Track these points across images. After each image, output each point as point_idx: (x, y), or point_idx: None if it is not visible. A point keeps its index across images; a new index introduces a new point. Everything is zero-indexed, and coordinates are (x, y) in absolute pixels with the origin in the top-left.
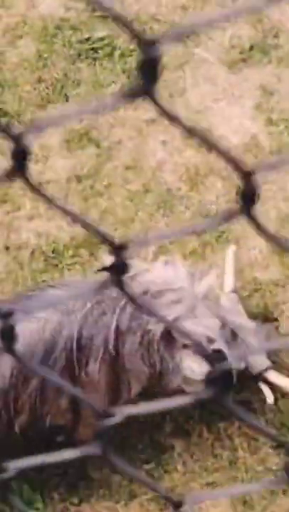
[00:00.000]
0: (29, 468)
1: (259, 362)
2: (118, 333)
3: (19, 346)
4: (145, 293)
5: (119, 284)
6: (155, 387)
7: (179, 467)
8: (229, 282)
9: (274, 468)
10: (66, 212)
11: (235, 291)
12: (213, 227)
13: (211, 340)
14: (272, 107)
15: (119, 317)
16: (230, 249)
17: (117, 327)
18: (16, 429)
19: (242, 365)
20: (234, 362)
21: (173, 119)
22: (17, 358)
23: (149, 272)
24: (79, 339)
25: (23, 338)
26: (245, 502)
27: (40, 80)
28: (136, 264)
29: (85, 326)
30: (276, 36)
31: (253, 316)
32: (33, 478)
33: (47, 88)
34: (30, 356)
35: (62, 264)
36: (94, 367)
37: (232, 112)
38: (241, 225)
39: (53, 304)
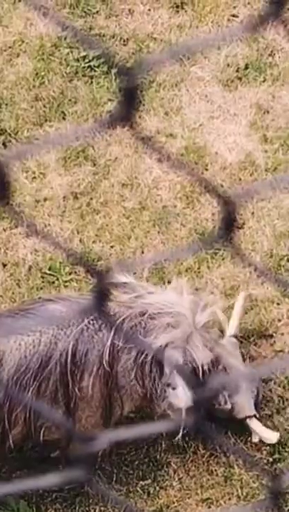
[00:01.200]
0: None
1: (247, 407)
2: (113, 350)
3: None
4: (143, 314)
5: (102, 311)
6: (146, 407)
7: (175, 483)
8: (233, 326)
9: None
10: (46, 238)
11: (236, 336)
12: (195, 252)
13: (196, 371)
14: (268, 124)
15: (115, 334)
16: (241, 295)
17: (113, 344)
18: (10, 441)
19: (228, 406)
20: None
21: (155, 149)
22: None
23: (152, 295)
24: (74, 353)
25: (13, 353)
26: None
27: (37, 98)
28: (141, 286)
29: (81, 340)
30: (271, 55)
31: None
32: (29, 494)
33: (44, 106)
34: (25, 369)
35: (59, 281)
36: (88, 382)
37: (227, 129)
38: (236, 243)
39: (49, 318)
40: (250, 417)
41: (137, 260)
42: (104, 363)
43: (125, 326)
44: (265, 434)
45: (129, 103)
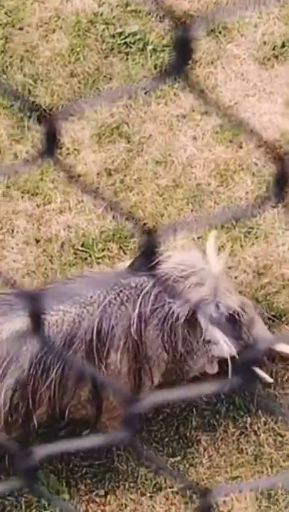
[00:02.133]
0: (57, 459)
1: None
2: (140, 319)
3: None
4: (167, 279)
5: (152, 267)
6: (174, 374)
7: (205, 461)
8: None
9: None
10: (97, 198)
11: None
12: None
13: (232, 319)
14: None
15: (141, 304)
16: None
17: (140, 313)
18: (34, 421)
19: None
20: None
21: (204, 96)
22: (45, 340)
23: (170, 259)
24: (99, 330)
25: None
26: (269, 496)
27: (72, 74)
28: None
29: (105, 317)
30: None
31: (280, 312)
32: (59, 469)
33: (79, 82)
34: (48, 349)
35: (92, 257)
36: (115, 357)
37: (263, 107)
38: (270, 222)
39: (71, 297)
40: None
41: (172, 226)
42: (132, 333)
43: (152, 294)
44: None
45: (183, 55)
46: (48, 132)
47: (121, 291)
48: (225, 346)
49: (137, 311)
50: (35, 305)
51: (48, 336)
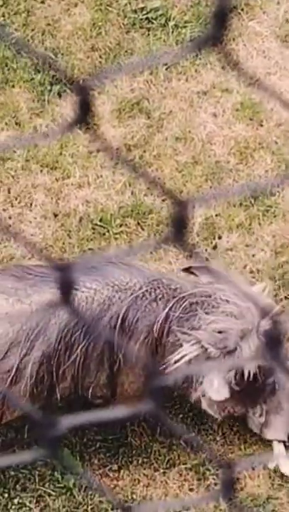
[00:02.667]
0: (71, 433)
1: (280, 430)
2: (166, 320)
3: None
4: (209, 296)
5: (180, 239)
6: (184, 388)
7: (218, 438)
8: None
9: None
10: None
11: None
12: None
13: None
14: None
15: (172, 307)
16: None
17: (168, 315)
18: (58, 395)
19: (261, 420)
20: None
21: (238, 69)
22: (74, 310)
23: (230, 283)
24: (124, 319)
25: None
26: (282, 475)
27: (93, 49)
28: (222, 274)
29: (133, 307)
30: None
31: None
32: (73, 443)
33: (100, 57)
34: (74, 325)
35: (110, 233)
36: (133, 349)
37: (284, 86)
38: (288, 200)
39: (107, 278)
40: (279, 441)
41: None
42: (154, 332)
43: (187, 301)
44: (284, 465)
45: (220, 25)
46: (81, 100)
47: (158, 287)
48: (216, 387)
49: (166, 311)
50: (66, 277)
51: (77, 309)
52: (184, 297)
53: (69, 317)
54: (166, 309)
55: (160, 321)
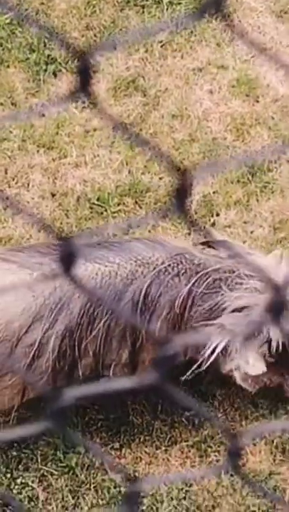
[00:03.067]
0: (72, 412)
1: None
2: (189, 296)
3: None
4: (233, 271)
5: (183, 211)
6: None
7: (220, 415)
8: None
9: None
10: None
11: None
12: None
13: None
14: None
15: (196, 282)
16: None
17: (190, 290)
18: (79, 371)
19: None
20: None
21: (240, 35)
22: (75, 281)
23: (250, 257)
24: (147, 294)
25: (89, 282)
26: (284, 450)
27: (88, 27)
28: (240, 247)
29: (156, 282)
30: None
31: None
32: (74, 422)
33: (95, 35)
34: (97, 300)
35: (108, 211)
36: (156, 324)
37: (280, 61)
38: (286, 176)
39: (130, 253)
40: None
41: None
42: (176, 306)
43: (211, 277)
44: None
45: None
46: (82, 69)
47: (181, 262)
48: (251, 363)
49: (188, 286)
50: (68, 250)
51: (99, 287)
52: (207, 273)
53: (92, 292)
54: (189, 285)
55: (182, 297)
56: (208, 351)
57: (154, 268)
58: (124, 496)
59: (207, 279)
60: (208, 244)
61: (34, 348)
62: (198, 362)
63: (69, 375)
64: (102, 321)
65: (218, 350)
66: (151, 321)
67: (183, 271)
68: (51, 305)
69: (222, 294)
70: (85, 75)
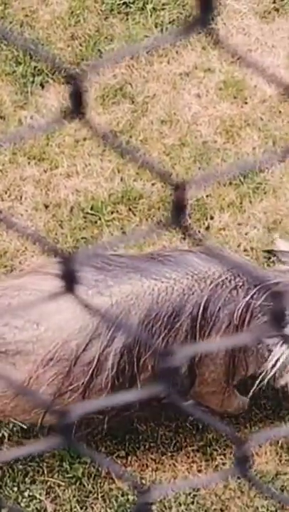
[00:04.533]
0: (76, 423)
1: None
2: (248, 309)
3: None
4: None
5: (180, 221)
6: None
7: (225, 417)
8: None
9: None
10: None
11: None
12: None
13: None
14: None
15: (254, 295)
16: None
17: (249, 303)
18: (138, 386)
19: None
20: None
21: (229, 50)
22: (78, 299)
23: None
24: (206, 308)
25: (146, 298)
26: None
27: (73, 37)
28: None
29: (214, 296)
30: None
31: None
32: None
33: (80, 45)
34: (155, 316)
35: (102, 220)
36: (215, 339)
37: (266, 62)
38: (278, 176)
39: (185, 268)
40: None
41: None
42: (234, 320)
43: (268, 290)
44: None
45: (205, 8)
46: (74, 92)
47: (239, 275)
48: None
49: (246, 299)
50: (69, 267)
51: (156, 303)
52: (266, 286)
53: (149, 308)
54: (247, 297)
55: (240, 310)
56: (271, 363)
57: (212, 282)
58: (134, 508)
59: (266, 291)
60: (272, 252)
61: (92, 367)
62: (261, 375)
63: (128, 390)
64: (161, 337)
65: (280, 362)
66: (211, 335)
67: (240, 284)
68: (108, 323)
69: (283, 309)
70: (76, 98)
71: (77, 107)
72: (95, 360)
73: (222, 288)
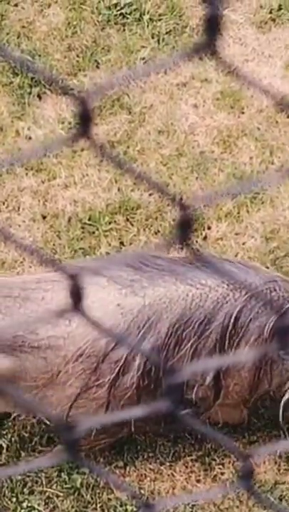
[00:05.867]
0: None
1: None
2: (278, 325)
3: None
4: None
5: (185, 240)
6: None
7: (222, 426)
8: None
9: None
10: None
11: None
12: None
13: None
14: None
15: (286, 312)
16: None
17: (280, 322)
18: (163, 390)
19: None
20: None
21: (236, 74)
22: (85, 316)
23: None
24: (237, 318)
25: (179, 302)
26: (288, 459)
27: (70, 48)
28: None
29: (247, 307)
30: None
31: None
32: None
33: (77, 56)
34: (186, 321)
35: (99, 230)
36: (244, 350)
37: (262, 72)
38: (275, 186)
39: (222, 276)
40: None
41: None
42: (265, 332)
43: None
44: None
45: (212, 30)
46: (82, 113)
47: (275, 289)
48: None
49: (280, 313)
50: (76, 283)
51: (188, 309)
52: None
53: (181, 313)
54: (281, 312)
55: (272, 323)
56: None
57: (246, 293)
58: None
59: None
60: None
61: (120, 365)
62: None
63: (153, 393)
64: (190, 343)
65: None
66: (240, 347)
67: (276, 298)
68: (139, 323)
69: None
70: (85, 118)
71: (85, 128)
72: (123, 359)
73: (256, 300)
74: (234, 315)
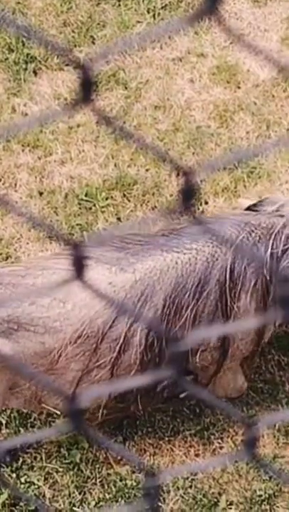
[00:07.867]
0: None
1: None
2: (273, 260)
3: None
4: (285, 225)
5: (189, 210)
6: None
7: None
8: None
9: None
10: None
11: None
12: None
13: None
14: None
15: (273, 244)
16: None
17: (272, 254)
18: (166, 360)
19: None
20: None
21: (237, 38)
22: (87, 285)
23: None
24: (232, 270)
25: (170, 272)
26: (287, 433)
27: (65, 24)
28: (279, 198)
29: (238, 257)
30: None
31: None
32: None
33: (73, 31)
34: (182, 288)
35: (96, 206)
36: (245, 300)
37: (258, 46)
38: (272, 160)
39: (203, 236)
40: None
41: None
42: (265, 273)
43: (283, 233)
44: None
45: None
46: (84, 79)
47: (252, 230)
48: None
49: (269, 251)
50: (78, 253)
51: (180, 276)
52: (278, 232)
53: (174, 282)
54: (269, 249)
55: (267, 263)
56: None
57: (232, 244)
58: (143, 492)
59: (281, 237)
60: (250, 208)
61: (120, 343)
62: None
63: (157, 366)
64: (189, 308)
65: None
66: (241, 298)
67: (258, 238)
68: (134, 299)
69: None
70: (87, 84)
71: (87, 95)
72: (122, 337)
73: (244, 247)
74: (228, 268)
